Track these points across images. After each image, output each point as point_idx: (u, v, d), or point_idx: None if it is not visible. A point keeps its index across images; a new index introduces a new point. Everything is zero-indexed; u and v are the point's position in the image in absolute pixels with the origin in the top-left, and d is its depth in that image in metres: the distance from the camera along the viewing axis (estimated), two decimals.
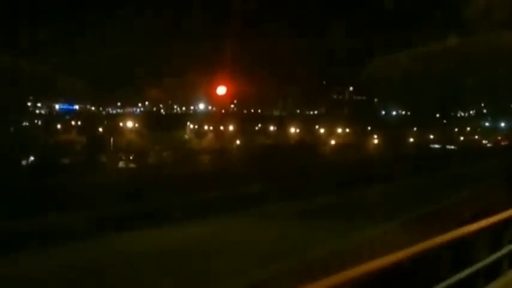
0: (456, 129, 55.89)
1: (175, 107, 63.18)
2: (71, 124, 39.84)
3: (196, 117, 50.78)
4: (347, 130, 48.21)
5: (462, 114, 63.64)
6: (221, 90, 41.54)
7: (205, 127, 44.32)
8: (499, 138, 52.57)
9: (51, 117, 46.85)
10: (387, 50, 44.56)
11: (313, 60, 46.12)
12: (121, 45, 40.06)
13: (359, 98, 69.15)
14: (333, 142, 40.38)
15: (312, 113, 62.98)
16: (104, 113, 55.05)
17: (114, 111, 58.63)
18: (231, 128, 41.94)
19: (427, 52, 42.27)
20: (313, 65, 47.25)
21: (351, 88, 68.40)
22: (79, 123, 40.46)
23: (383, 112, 63.59)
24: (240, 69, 44.96)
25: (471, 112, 62.73)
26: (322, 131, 45.20)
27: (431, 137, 47.03)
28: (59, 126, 38.77)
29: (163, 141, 39.26)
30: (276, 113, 60.55)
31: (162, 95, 51.66)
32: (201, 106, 56.93)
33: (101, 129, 42.03)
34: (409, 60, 43.25)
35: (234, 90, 47.18)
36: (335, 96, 69.10)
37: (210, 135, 41.45)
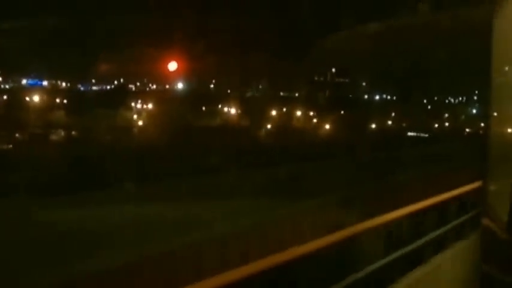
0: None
1: (150, 84, 60.20)
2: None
3: (150, 95, 47.38)
4: (311, 113, 43.86)
5: (452, 100, 59.52)
6: (172, 66, 38.45)
7: (148, 106, 40.59)
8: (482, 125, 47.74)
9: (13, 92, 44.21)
10: (352, 21, 39.81)
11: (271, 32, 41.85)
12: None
13: (341, 80, 65.03)
14: (269, 126, 36.26)
15: (295, 95, 59.11)
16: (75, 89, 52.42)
17: (83, 88, 56.02)
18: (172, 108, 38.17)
19: (398, 25, 37.68)
20: (273, 38, 42.96)
21: (333, 70, 64.60)
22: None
23: (365, 96, 59.67)
24: (197, 45, 41.50)
25: (461, 99, 58.53)
26: (274, 113, 40.99)
27: (389, 122, 42.56)
28: None
29: (102, 120, 35.94)
30: (248, 94, 56.86)
31: (116, 70, 48.56)
32: (180, 85, 53.91)
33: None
34: (380, 33, 38.71)
35: (187, 66, 43.65)
36: (316, 78, 65.05)
37: (143, 115, 37.71)
